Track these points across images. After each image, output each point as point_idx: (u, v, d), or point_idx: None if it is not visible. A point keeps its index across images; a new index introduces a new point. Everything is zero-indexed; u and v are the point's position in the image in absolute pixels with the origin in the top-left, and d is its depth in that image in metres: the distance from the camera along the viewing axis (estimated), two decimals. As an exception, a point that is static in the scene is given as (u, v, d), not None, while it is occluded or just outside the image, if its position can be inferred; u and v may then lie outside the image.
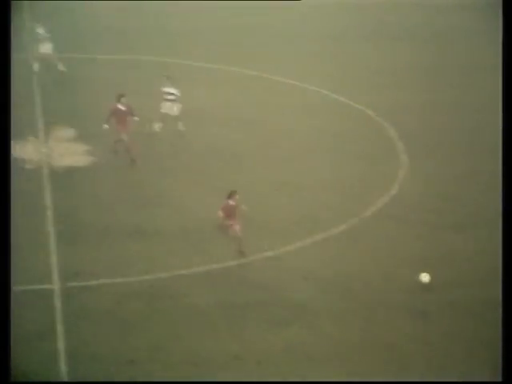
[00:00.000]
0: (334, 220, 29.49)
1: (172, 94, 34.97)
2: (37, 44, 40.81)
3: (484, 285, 25.45)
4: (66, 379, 20.59)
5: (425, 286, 24.98)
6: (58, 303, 23.82)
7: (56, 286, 24.68)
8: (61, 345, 21.93)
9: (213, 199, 28.23)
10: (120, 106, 32.09)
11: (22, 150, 32.89)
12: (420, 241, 28.47)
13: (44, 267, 25.49)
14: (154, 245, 27.50)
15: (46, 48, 40.71)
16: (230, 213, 25.76)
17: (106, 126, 32.00)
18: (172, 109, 35.03)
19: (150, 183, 31.87)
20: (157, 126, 35.21)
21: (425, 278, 24.96)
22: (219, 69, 44.42)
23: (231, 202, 25.78)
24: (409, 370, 21.63)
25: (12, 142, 28.31)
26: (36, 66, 41.21)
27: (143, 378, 21.12)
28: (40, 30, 40.78)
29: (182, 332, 23.18)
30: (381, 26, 53.17)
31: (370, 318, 24.08)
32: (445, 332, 23.37)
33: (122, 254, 26.84)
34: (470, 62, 46.78)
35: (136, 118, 32.64)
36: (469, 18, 53.38)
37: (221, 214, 25.71)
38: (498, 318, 19.46)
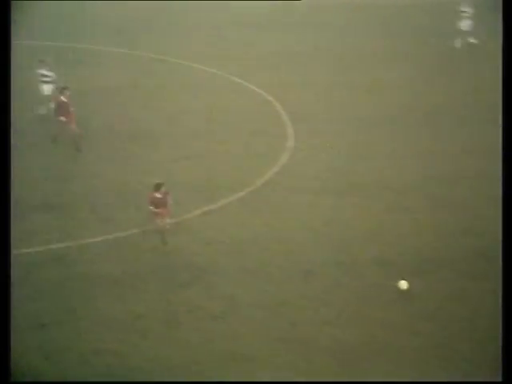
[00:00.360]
0: (232, 189, 30.58)
1: (47, 75, 35.47)
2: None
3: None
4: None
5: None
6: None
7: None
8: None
9: (115, 172, 28.93)
10: (63, 98, 32.46)
11: None
12: (306, 206, 29.66)
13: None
14: (62, 216, 28.02)
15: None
16: (157, 205, 25.51)
17: (62, 119, 32.52)
18: (48, 90, 35.45)
19: (61, 161, 32.75)
20: (42, 109, 35.61)
21: (403, 285, 23.83)
22: (126, 53, 45.63)
23: (157, 195, 25.52)
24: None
25: None
26: None
27: (54, 340, 21.74)
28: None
29: (91, 297, 23.74)
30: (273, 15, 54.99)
31: (266, 279, 24.99)
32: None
33: (31, 226, 27.32)
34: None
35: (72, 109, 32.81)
36: None
37: (151, 207, 25.56)
38: (498, 318, 18.11)
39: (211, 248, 26.46)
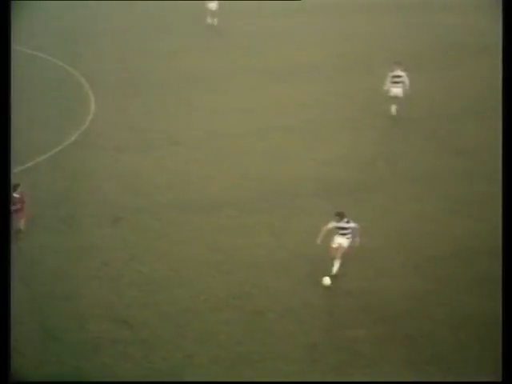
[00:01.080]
0: (40, 151, 30.99)
1: None
2: None
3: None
4: None
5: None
6: None
7: None
8: None
9: None
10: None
11: None
12: (111, 161, 30.69)
13: None
14: None
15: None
16: (15, 204, 23.65)
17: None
18: None
19: None
20: None
21: (326, 281, 21.97)
22: None
23: (15, 195, 23.80)
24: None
25: None
26: None
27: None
28: None
29: None
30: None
31: (78, 226, 25.91)
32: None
33: None
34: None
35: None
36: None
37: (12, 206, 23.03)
38: (499, 318, 17.13)
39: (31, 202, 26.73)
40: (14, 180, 23.44)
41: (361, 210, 26.30)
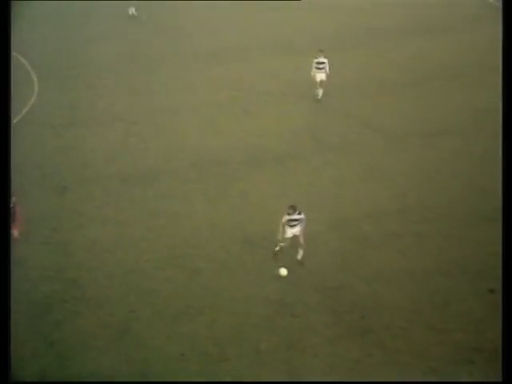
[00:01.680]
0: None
1: None
2: None
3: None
4: None
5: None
6: None
7: None
8: None
9: None
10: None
11: None
12: (54, 137, 30.59)
13: None
14: None
15: None
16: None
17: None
18: None
19: None
20: None
21: (283, 272, 20.90)
22: None
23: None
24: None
25: None
26: None
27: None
28: None
29: None
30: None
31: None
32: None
33: None
34: None
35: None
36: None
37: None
38: (499, 318, 15.91)
39: None
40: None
41: (287, 177, 26.96)
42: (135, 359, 17.98)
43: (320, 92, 33.31)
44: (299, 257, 21.54)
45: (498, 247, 21.57)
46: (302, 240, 21.41)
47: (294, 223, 21.17)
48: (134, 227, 23.93)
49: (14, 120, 31.63)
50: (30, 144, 29.95)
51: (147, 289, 20.73)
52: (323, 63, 32.89)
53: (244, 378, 17.24)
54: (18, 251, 22.42)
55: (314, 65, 33.05)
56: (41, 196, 25.94)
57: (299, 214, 21.19)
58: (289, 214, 21.07)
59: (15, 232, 21.20)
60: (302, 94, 34.34)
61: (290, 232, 21.28)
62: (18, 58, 39.34)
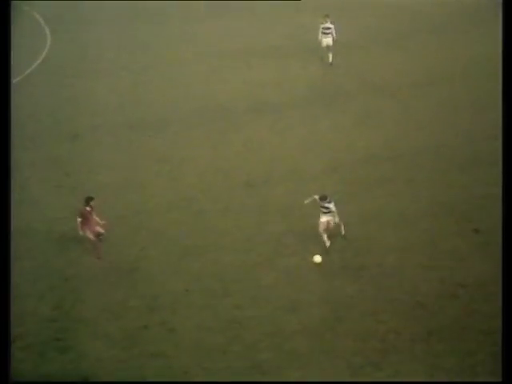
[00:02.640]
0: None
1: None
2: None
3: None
4: None
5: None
6: None
7: None
8: None
9: None
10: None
11: None
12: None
13: None
14: None
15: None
16: (86, 217, 19.63)
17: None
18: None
19: None
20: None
21: (317, 259, 19.12)
22: None
23: (87, 208, 19.65)
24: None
25: None
26: None
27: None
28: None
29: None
30: None
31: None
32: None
33: None
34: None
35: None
36: None
37: (78, 219, 19.60)
38: (499, 317, 14.48)
39: None
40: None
41: (287, 125, 26.98)
42: (144, 294, 18.25)
43: (330, 56, 32.82)
44: (328, 245, 19.82)
45: (482, 190, 21.96)
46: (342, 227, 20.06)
47: (325, 210, 19.71)
48: (142, 171, 24.03)
49: (28, 71, 31.61)
50: (43, 93, 29.95)
51: (155, 229, 20.90)
52: (329, 28, 32.50)
53: (244, 312, 17.47)
54: (33, 193, 22.70)
55: (321, 30, 32.66)
56: (54, 142, 26.02)
57: (329, 202, 19.67)
58: (321, 200, 19.65)
59: (88, 233, 19.59)
60: (304, 50, 34.10)
61: (325, 219, 19.72)
62: (32, 13, 39.08)
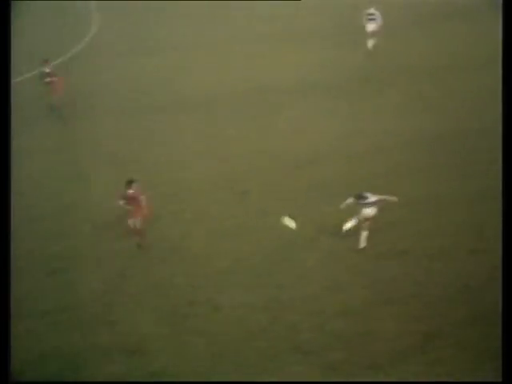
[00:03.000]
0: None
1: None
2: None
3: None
4: None
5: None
6: None
7: None
8: None
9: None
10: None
11: None
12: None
13: None
14: None
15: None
16: (129, 202, 18.66)
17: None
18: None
19: None
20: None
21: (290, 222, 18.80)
22: None
23: (130, 191, 18.63)
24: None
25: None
26: None
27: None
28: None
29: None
30: None
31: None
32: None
33: None
34: None
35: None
36: None
37: (120, 202, 18.77)
38: (498, 317, 13.83)
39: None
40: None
41: (332, 106, 26.82)
42: (189, 272, 18.08)
43: (370, 42, 32.40)
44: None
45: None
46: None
47: (368, 205, 18.46)
48: (188, 149, 23.92)
49: (77, 48, 31.72)
50: (91, 70, 30.03)
51: (200, 208, 20.78)
52: (373, 14, 32.14)
53: (287, 292, 17.25)
54: (82, 171, 22.80)
55: (365, 16, 32.35)
56: (102, 117, 26.00)
57: (367, 198, 18.41)
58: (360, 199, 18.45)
59: (138, 221, 18.85)
60: (348, 33, 33.76)
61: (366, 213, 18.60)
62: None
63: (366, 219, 18.67)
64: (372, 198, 18.63)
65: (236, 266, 18.27)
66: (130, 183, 18.58)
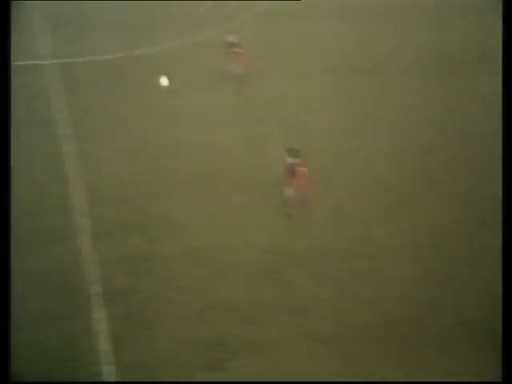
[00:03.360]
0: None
1: None
2: None
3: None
4: None
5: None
6: None
7: None
8: None
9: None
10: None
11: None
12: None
13: None
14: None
15: None
16: (289, 171, 17.83)
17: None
18: None
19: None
20: None
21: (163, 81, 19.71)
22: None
23: (290, 160, 17.78)
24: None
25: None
26: None
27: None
28: None
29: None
30: None
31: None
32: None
33: None
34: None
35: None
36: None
37: (284, 172, 17.97)
38: (498, 317, 12.80)
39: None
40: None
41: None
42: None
43: None
44: None
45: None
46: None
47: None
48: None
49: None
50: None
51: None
52: None
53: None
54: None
55: None
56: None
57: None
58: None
59: (291, 189, 18.01)
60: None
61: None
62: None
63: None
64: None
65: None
66: (293, 152, 17.69)
